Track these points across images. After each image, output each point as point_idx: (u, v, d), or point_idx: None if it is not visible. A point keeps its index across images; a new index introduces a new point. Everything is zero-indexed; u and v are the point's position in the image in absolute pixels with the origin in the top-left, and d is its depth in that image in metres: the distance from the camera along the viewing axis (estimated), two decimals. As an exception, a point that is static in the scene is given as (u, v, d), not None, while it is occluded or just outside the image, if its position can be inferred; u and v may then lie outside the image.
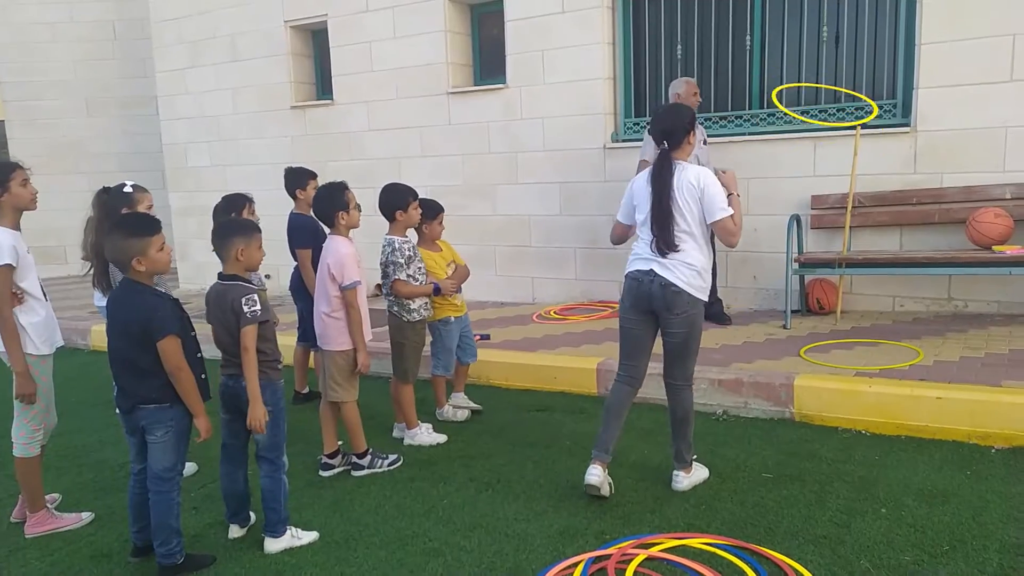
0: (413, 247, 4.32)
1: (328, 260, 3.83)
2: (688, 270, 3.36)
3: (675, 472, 3.59)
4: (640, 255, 3.47)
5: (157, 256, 2.93)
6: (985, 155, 5.59)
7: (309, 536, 3.27)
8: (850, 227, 5.89)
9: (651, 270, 3.39)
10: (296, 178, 5.07)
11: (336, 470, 4.00)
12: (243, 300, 3.08)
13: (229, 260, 3.18)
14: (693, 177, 3.34)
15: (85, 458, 4.40)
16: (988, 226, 5.27)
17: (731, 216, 3.33)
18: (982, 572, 2.76)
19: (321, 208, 3.91)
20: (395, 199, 4.28)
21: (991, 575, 2.74)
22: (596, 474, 3.44)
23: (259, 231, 3.29)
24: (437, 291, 4.39)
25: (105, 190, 4.09)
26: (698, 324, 3.46)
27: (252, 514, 3.42)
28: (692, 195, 3.33)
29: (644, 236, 3.47)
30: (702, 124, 6.31)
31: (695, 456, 3.68)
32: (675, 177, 3.35)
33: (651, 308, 3.43)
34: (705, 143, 6.11)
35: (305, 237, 4.82)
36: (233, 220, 3.35)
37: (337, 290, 3.83)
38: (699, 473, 3.65)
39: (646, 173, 3.49)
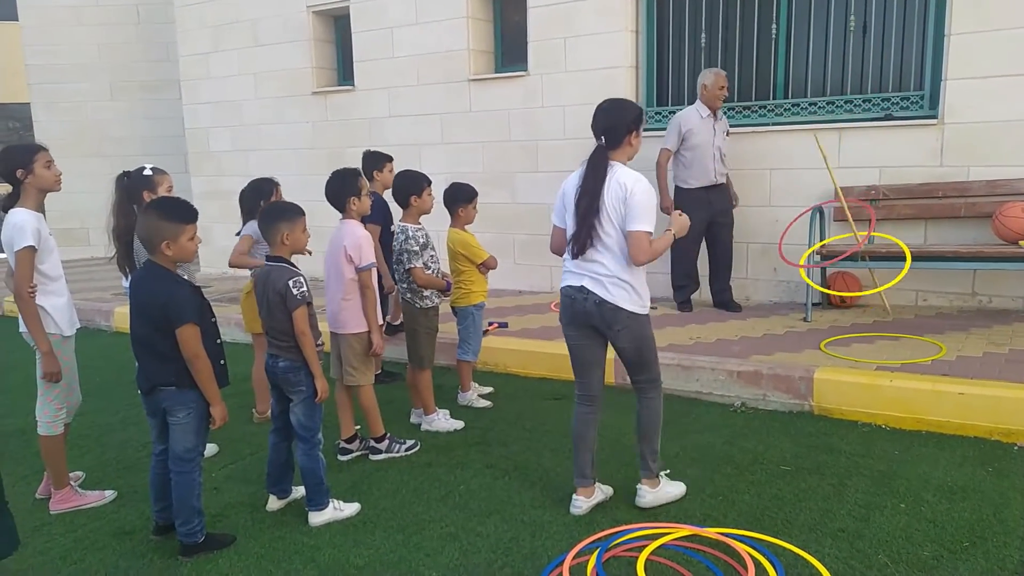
0: (426, 234, 4.32)
1: (344, 243, 3.85)
2: (618, 287, 3.08)
3: (639, 485, 3.30)
4: (569, 268, 3.20)
5: (186, 244, 2.97)
6: (1013, 148, 5.50)
7: (351, 508, 3.36)
8: (876, 219, 5.83)
9: (582, 286, 3.13)
10: (374, 161, 5.27)
11: (354, 454, 4.03)
12: (289, 283, 3.19)
13: (275, 244, 3.30)
14: (625, 178, 3.03)
15: (108, 437, 4.46)
16: (1015, 221, 5.19)
17: (648, 235, 3.01)
18: (1002, 568, 2.73)
19: (332, 193, 3.93)
20: (410, 184, 4.30)
21: (1011, 571, 2.72)
22: (578, 506, 3.27)
23: (303, 215, 3.36)
24: (448, 288, 4.40)
25: (125, 174, 4.13)
26: (645, 334, 3.18)
27: (295, 489, 3.48)
28: (619, 198, 3.02)
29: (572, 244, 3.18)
30: (726, 115, 6.26)
31: (667, 471, 3.41)
32: (606, 178, 3.06)
33: (590, 324, 3.18)
34: (727, 135, 6.07)
35: (375, 215, 4.85)
36: (278, 204, 3.43)
37: (353, 272, 3.86)
38: (668, 489, 3.32)
39: (576, 172, 3.17)
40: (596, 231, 3.07)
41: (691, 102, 6.85)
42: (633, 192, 3.01)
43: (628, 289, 3.10)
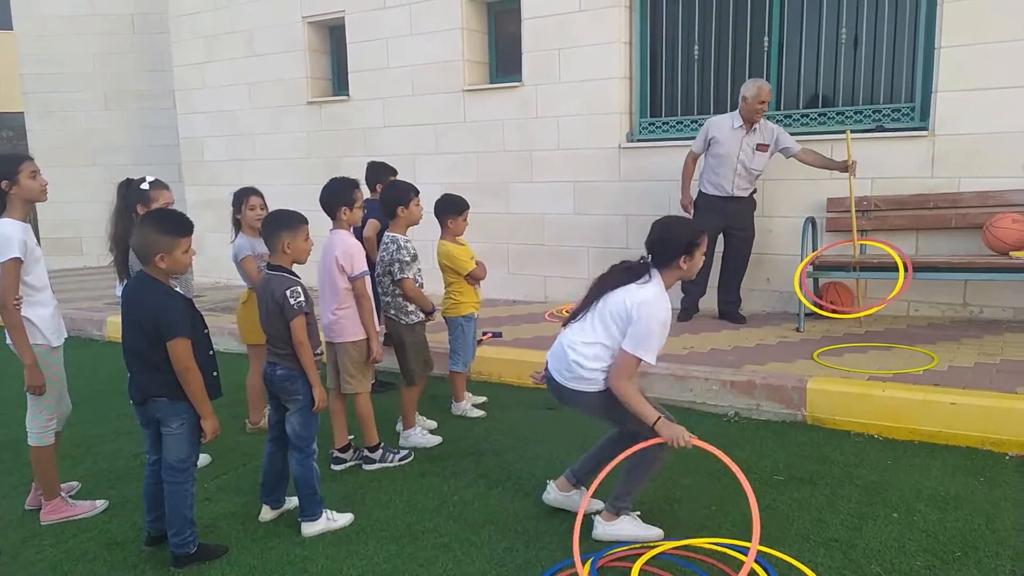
0: (414, 246, 4.31)
1: (336, 253, 3.85)
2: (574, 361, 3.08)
3: (595, 515, 3.19)
4: None
5: (180, 257, 2.97)
6: (1003, 160, 5.55)
7: (344, 518, 3.35)
8: (866, 231, 5.87)
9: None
10: (378, 172, 5.41)
11: (347, 464, 4.02)
12: (287, 292, 3.20)
13: (276, 252, 3.30)
14: (631, 302, 2.94)
15: (100, 447, 4.44)
16: (1005, 231, 5.23)
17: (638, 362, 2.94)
18: (994, 579, 2.74)
19: (326, 201, 3.93)
20: (398, 195, 4.27)
21: (1003, 582, 2.73)
22: (548, 491, 3.41)
23: (306, 223, 3.36)
24: (432, 312, 4.35)
25: (128, 182, 4.12)
26: (602, 403, 3.08)
27: (288, 499, 3.47)
28: (619, 315, 2.97)
29: None
30: (771, 119, 6.04)
31: (637, 513, 3.20)
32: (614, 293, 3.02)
33: None
34: (759, 148, 5.80)
35: (374, 214, 5.02)
36: (280, 212, 3.39)
37: (346, 282, 3.86)
38: (626, 527, 3.11)
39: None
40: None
41: (685, 113, 6.91)
42: (638, 319, 2.93)
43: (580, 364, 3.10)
